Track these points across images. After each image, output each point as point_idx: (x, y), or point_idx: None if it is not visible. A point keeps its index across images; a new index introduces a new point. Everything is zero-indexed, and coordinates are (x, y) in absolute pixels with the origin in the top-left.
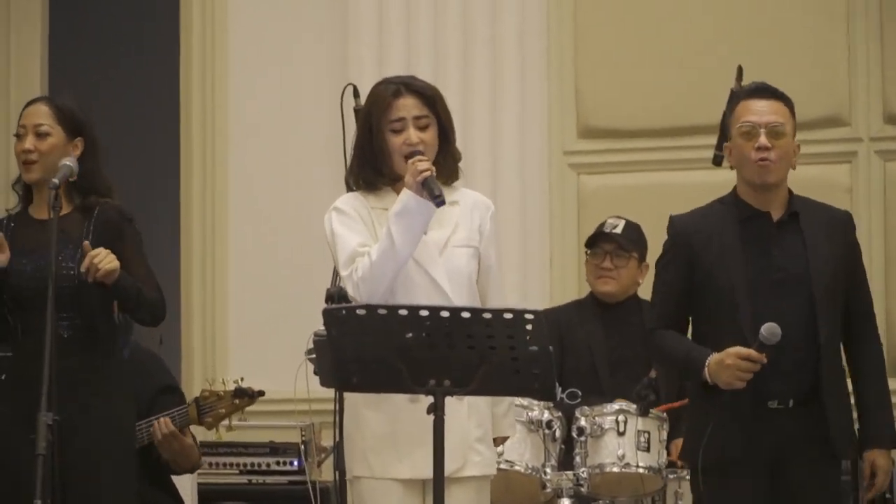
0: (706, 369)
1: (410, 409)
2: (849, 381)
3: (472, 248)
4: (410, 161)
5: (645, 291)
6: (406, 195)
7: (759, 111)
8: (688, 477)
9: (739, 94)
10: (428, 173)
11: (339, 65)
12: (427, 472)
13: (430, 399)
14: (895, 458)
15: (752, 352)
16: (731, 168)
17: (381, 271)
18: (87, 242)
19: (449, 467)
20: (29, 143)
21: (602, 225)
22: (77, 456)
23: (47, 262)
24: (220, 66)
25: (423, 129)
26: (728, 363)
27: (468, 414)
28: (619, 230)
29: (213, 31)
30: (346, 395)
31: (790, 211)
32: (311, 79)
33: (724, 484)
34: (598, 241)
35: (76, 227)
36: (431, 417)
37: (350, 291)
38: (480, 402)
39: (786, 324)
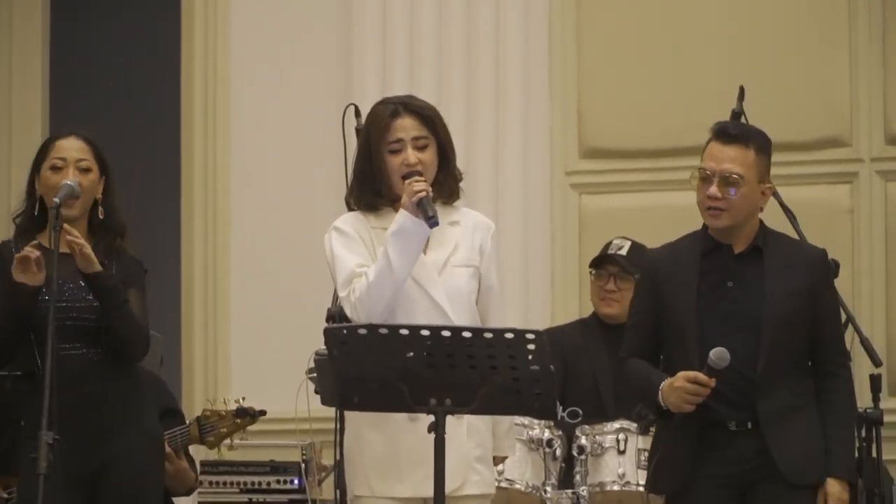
0: (660, 393)
1: (411, 429)
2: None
3: (473, 267)
4: (407, 182)
5: None
6: (402, 216)
7: (717, 157)
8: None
9: (745, 117)
10: (423, 194)
11: (341, 85)
12: (427, 491)
13: (430, 418)
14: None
15: (699, 375)
16: None
17: (378, 292)
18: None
19: (448, 486)
20: (72, 176)
21: (607, 246)
22: (120, 467)
23: (70, 294)
24: (223, 88)
25: (421, 149)
26: (677, 385)
27: (468, 434)
28: (623, 252)
29: (215, 50)
30: (348, 414)
31: (754, 244)
32: (313, 99)
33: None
34: (602, 262)
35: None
36: (431, 437)
37: (348, 312)
38: (480, 422)
39: (734, 356)
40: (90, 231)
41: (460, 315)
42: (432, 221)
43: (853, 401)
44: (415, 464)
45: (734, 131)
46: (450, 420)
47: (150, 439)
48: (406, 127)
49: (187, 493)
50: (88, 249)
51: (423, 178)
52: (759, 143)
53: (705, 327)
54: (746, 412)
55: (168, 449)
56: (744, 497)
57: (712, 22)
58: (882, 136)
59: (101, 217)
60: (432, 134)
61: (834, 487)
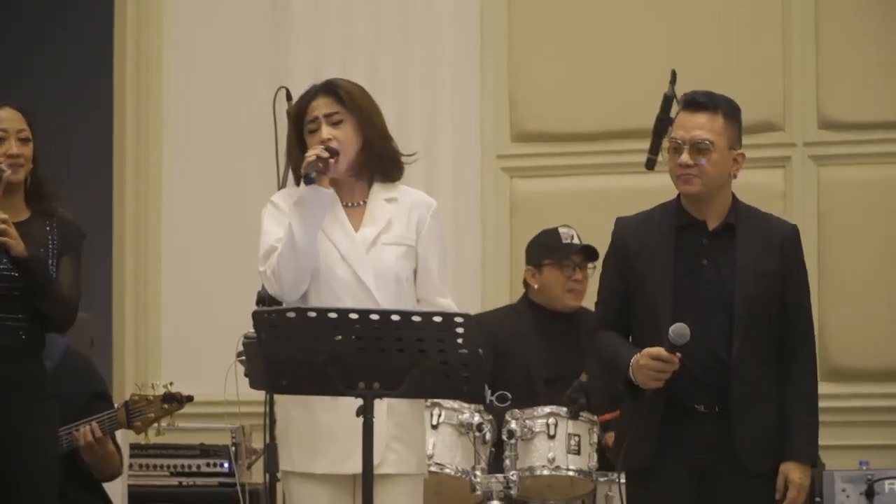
0: (630, 369)
1: (331, 407)
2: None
3: (405, 246)
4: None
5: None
6: (302, 186)
7: (686, 126)
8: (616, 480)
9: (677, 101)
10: (311, 157)
11: (273, 69)
12: (342, 468)
13: (343, 410)
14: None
15: (661, 351)
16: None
17: (285, 264)
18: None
19: (362, 465)
20: (16, 147)
21: (557, 235)
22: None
23: (5, 264)
24: (155, 72)
25: (335, 125)
26: (642, 363)
27: (387, 414)
28: (577, 241)
29: (147, 36)
30: (278, 395)
31: (726, 222)
32: (245, 82)
33: (646, 486)
34: (568, 252)
35: (41, 233)
36: (351, 415)
37: (267, 287)
38: (401, 403)
39: (706, 336)
40: (26, 198)
41: (386, 294)
42: (307, 179)
43: (816, 382)
44: (333, 441)
45: (702, 99)
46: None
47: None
48: (320, 106)
49: (111, 477)
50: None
51: (319, 147)
52: (728, 109)
53: (679, 307)
54: (717, 395)
55: (98, 433)
56: (702, 479)
57: (645, 5)
58: (815, 121)
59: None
60: (349, 111)
61: (795, 473)
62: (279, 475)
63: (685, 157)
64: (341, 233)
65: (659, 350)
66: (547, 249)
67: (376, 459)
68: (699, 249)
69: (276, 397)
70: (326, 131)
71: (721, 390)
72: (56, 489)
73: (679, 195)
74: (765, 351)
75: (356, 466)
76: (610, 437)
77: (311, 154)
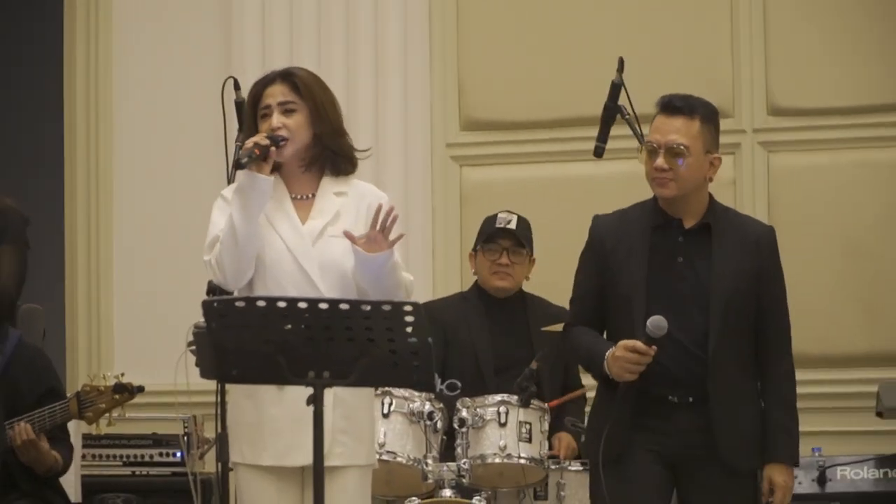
0: (605, 363)
1: (277, 399)
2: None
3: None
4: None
5: (530, 285)
6: (241, 174)
7: (662, 130)
8: (569, 467)
9: (624, 89)
10: (249, 145)
11: (221, 58)
12: (289, 460)
13: (297, 388)
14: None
15: (637, 343)
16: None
17: (226, 252)
18: None
19: (311, 457)
20: None
21: (494, 220)
22: None
23: None
24: (105, 63)
25: (287, 113)
26: (618, 355)
27: (333, 405)
28: (512, 225)
29: (97, 27)
30: (229, 385)
31: (703, 221)
32: (193, 72)
33: (617, 473)
34: (495, 237)
35: None
36: (296, 407)
37: (212, 277)
38: (347, 395)
39: (681, 332)
40: None
41: (331, 286)
42: (238, 164)
43: (795, 384)
44: (278, 433)
45: (678, 103)
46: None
47: None
48: (275, 93)
49: (51, 474)
50: None
51: (261, 135)
52: (705, 113)
53: (653, 302)
54: (690, 388)
55: (31, 434)
56: (675, 471)
57: None
58: (764, 108)
59: None
60: (304, 101)
61: (780, 475)
62: (231, 465)
63: (660, 161)
64: (287, 225)
65: (635, 342)
66: (480, 234)
67: (324, 450)
68: (675, 247)
69: (228, 388)
70: (277, 119)
71: (695, 385)
72: None
73: (655, 197)
74: (741, 349)
75: (302, 458)
76: (558, 440)
77: (250, 141)
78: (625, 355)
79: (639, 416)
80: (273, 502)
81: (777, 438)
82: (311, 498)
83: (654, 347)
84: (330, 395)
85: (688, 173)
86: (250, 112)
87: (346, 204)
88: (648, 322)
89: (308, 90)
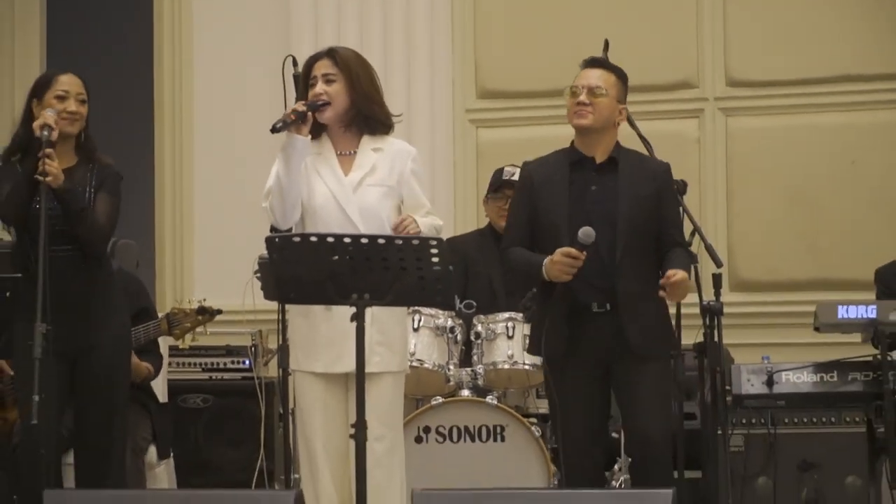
0: (543, 269)
1: (326, 318)
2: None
3: (387, 187)
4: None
5: None
6: (284, 135)
7: (586, 76)
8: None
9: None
10: (287, 112)
11: (283, 40)
12: (336, 368)
13: (342, 309)
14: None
15: (571, 249)
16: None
17: (275, 199)
18: (50, 151)
19: (354, 366)
20: (74, 106)
21: (501, 172)
22: (97, 352)
23: (55, 203)
24: (187, 44)
25: (328, 82)
26: (555, 260)
27: (371, 322)
28: (516, 177)
29: (180, 20)
30: (287, 306)
31: (611, 156)
32: (261, 51)
33: (561, 373)
34: (501, 187)
35: (82, 176)
36: (343, 324)
37: (269, 218)
38: (383, 314)
39: (597, 247)
40: (77, 147)
41: (369, 228)
42: (273, 128)
43: (690, 256)
44: (328, 346)
45: (600, 60)
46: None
47: (122, 330)
48: (320, 67)
49: (142, 381)
50: (53, 172)
51: (302, 102)
52: (619, 73)
53: (574, 223)
54: (607, 294)
55: None
56: (605, 366)
57: None
58: (723, 79)
59: (82, 140)
60: (342, 73)
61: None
62: (290, 371)
63: (583, 97)
64: (332, 177)
65: (569, 248)
66: (490, 185)
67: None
68: (588, 178)
69: (287, 308)
70: (320, 87)
71: (611, 291)
72: (125, 377)
73: (573, 142)
74: (644, 260)
75: (346, 366)
76: None
77: (289, 109)
78: (560, 259)
79: (571, 324)
80: (322, 401)
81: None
82: (354, 398)
83: (584, 253)
84: (369, 314)
85: (603, 110)
86: (304, 82)
87: (381, 158)
88: (580, 232)
89: (345, 64)
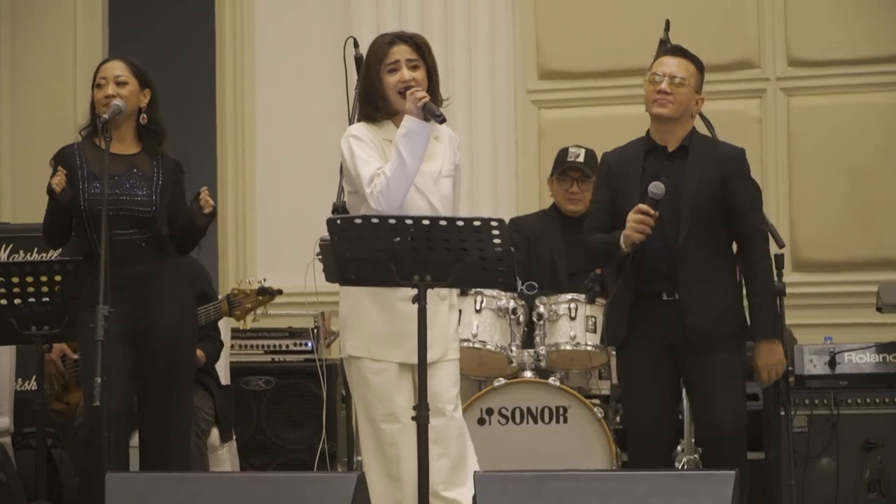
0: (621, 239)
1: (404, 307)
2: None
3: (452, 177)
4: (409, 91)
5: None
6: (408, 120)
7: (667, 64)
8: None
9: (659, 51)
10: (427, 98)
11: (342, 24)
12: (411, 357)
13: (413, 308)
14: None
15: (642, 205)
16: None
17: (396, 184)
18: (205, 188)
19: (435, 354)
20: (111, 89)
21: (566, 153)
22: (159, 334)
23: (125, 188)
24: (248, 31)
25: (413, 69)
26: (629, 218)
27: (449, 310)
28: (581, 159)
29: (242, 5)
30: (349, 288)
31: (682, 145)
32: (322, 33)
33: (624, 357)
34: (567, 170)
35: (147, 167)
36: (412, 318)
37: (372, 204)
38: (457, 302)
39: (662, 233)
40: (137, 135)
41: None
42: (440, 119)
43: (771, 270)
44: (407, 336)
45: (680, 49)
46: (434, 301)
47: (185, 312)
48: (401, 51)
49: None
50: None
51: (420, 88)
52: (697, 63)
53: None
54: (673, 281)
55: None
56: (668, 351)
57: None
58: (785, 59)
59: (142, 122)
60: (421, 59)
61: (760, 357)
62: (345, 356)
63: (664, 86)
64: None
65: (640, 205)
66: (556, 165)
67: (441, 350)
68: (660, 168)
69: (345, 292)
70: (408, 73)
71: (675, 278)
72: (190, 359)
73: (648, 131)
74: (712, 245)
75: (432, 355)
76: None
77: (423, 95)
78: (633, 216)
79: (637, 311)
80: (394, 390)
81: (753, 321)
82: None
83: (656, 212)
84: (445, 303)
85: (683, 99)
86: (375, 65)
87: (443, 148)
88: (650, 186)
89: (428, 51)
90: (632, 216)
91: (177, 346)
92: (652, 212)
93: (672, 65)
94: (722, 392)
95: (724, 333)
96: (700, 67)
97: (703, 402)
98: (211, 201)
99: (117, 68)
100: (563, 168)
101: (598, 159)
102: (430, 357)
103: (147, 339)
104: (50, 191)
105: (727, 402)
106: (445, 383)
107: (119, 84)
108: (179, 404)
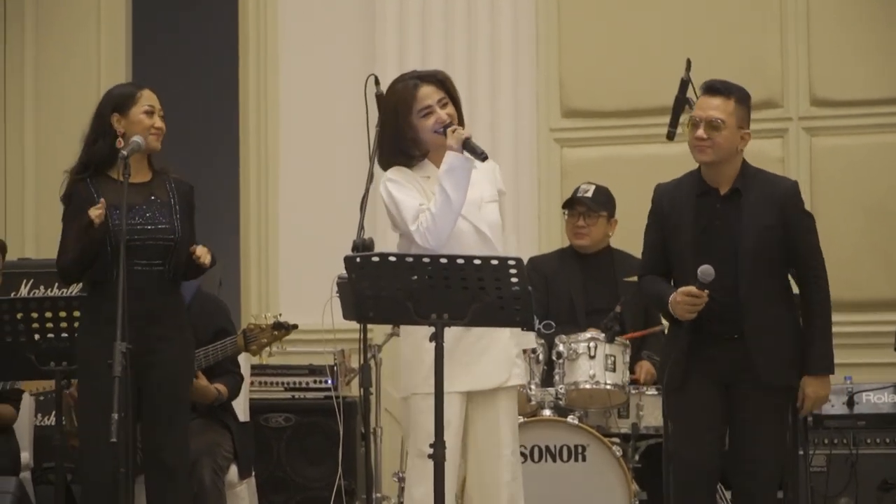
0: (669, 306)
1: (461, 340)
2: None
3: (496, 202)
4: (449, 130)
5: (618, 241)
6: (451, 156)
7: (704, 107)
8: (646, 392)
9: (691, 85)
10: (468, 135)
11: (366, 60)
12: (476, 385)
13: (473, 337)
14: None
15: (691, 288)
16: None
17: (442, 220)
18: (197, 247)
19: (499, 378)
20: (161, 122)
21: (576, 190)
22: (158, 372)
23: (144, 218)
24: (272, 69)
25: (444, 106)
26: (678, 300)
27: (510, 335)
28: (589, 194)
29: (265, 38)
30: (409, 329)
31: (734, 187)
32: (343, 71)
33: (680, 397)
34: (573, 204)
35: (163, 192)
36: (473, 346)
37: (419, 241)
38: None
39: (722, 279)
40: (149, 163)
41: (497, 240)
42: (483, 156)
43: (828, 303)
44: (467, 365)
45: (719, 85)
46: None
47: (186, 349)
48: (430, 93)
49: (212, 403)
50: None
51: (458, 126)
52: (739, 95)
53: (700, 255)
54: (733, 325)
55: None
56: (728, 393)
57: (667, 4)
58: (807, 99)
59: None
60: (450, 96)
61: (810, 386)
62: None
63: (701, 132)
64: None
65: (689, 287)
66: (566, 201)
67: (505, 374)
68: (713, 212)
69: (406, 331)
70: (443, 113)
71: (737, 321)
72: (188, 396)
73: (699, 168)
74: (771, 288)
75: (496, 381)
76: (639, 367)
77: (465, 132)
78: (683, 299)
79: (697, 349)
80: (460, 418)
81: (807, 353)
82: (481, 417)
83: (706, 292)
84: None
85: (723, 142)
86: (404, 111)
87: (482, 175)
88: (699, 271)
89: (451, 85)
90: (681, 298)
91: (174, 382)
92: (703, 295)
93: (710, 106)
94: (770, 434)
95: (786, 376)
96: (742, 99)
97: (749, 438)
98: (205, 258)
99: (158, 101)
100: (569, 202)
101: (612, 197)
102: (490, 383)
103: (147, 374)
104: (87, 224)
105: (772, 445)
106: (508, 419)
107: (162, 118)
108: (175, 439)
